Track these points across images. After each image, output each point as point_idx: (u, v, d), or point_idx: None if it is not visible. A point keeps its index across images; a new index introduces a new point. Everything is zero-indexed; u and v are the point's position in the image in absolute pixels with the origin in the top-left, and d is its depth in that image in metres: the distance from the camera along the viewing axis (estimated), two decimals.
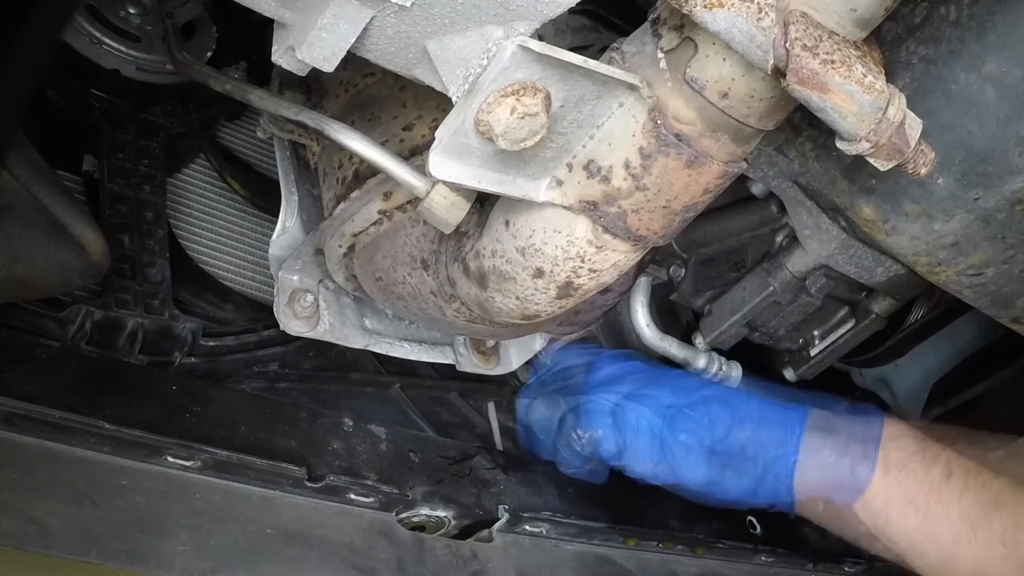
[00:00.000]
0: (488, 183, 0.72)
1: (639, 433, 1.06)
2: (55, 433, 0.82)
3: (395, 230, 0.93)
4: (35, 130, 0.94)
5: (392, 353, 1.14)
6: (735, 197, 1.11)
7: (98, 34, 1.14)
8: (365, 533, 0.95)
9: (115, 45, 1.14)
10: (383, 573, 0.92)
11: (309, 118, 0.85)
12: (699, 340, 1.19)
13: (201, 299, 1.13)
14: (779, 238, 1.10)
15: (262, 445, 0.92)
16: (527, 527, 1.06)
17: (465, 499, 1.04)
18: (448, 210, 0.76)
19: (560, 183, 0.75)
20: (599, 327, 1.27)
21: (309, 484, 0.93)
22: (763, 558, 1.21)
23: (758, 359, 1.30)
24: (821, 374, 1.25)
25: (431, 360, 1.17)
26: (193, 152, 1.25)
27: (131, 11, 1.16)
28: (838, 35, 0.65)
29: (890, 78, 0.68)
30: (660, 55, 0.70)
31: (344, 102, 1.01)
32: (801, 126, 0.93)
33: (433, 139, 0.68)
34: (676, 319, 1.34)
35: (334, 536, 0.92)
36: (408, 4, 0.65)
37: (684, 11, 0.63)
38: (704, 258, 1.18)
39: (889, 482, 1.02)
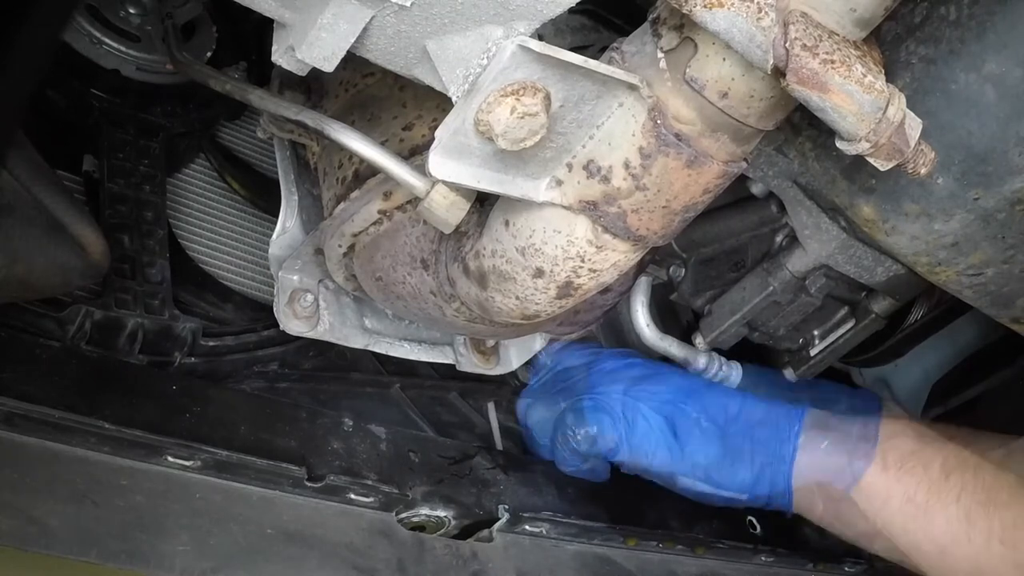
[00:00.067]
0: (488, 183, 0.72)
1: (636, 428, 1.06)
2: (55, 433, 0.82)
3: (395, 230, 0.93)
4: (35, 130, 0.94)
5: (392, 353, 1.14)
6: (735, 197, 1.11)
7: (98, 34, 1.14)
8: (365, 533, 0.95)
9: (115, 45, 1.14)
10: (383, 573, 0.92)
11: (309, 118, 0.85)
12: (699, 340, 1.19)
13: (201, 299, 1.13)
14: (779, 238, 1.10)
15: (262, 445, 0.92)
16: (527, 527, 1.06)
17: (465, 499, 1.04)
18: (448, 210, 0.76)
19: (560, 183, 0.75)
20: (599, 327, 1.27)
21: (309, 484, 0.93)
22: (763, 558, 1.20)
23: (758, 359, 1.30)
24: (821, 374, 1.25)
25: (431, 360, 1.17)
26: (193, 152, 1.25)
27: (131, 11, 1.16)
28: (838, 35, 0.65)
29: (890, 78, 0.68)
30: (660, 55, 0.70)
31: (344, 102, 1.01)
32: (801, 126, 0.93)
33: (433, 139, 0.68)
34: (676, 319, 1.34)
35: (334, 536, 0.92)
36: (408, 4, 0.65)
37: (684, 11, 0.63)
38: (704, 258, 1.18)
39: (888, 480, 1.02)
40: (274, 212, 1.11)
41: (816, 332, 1.19)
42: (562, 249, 0.78)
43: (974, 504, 0.98)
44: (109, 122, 1.14)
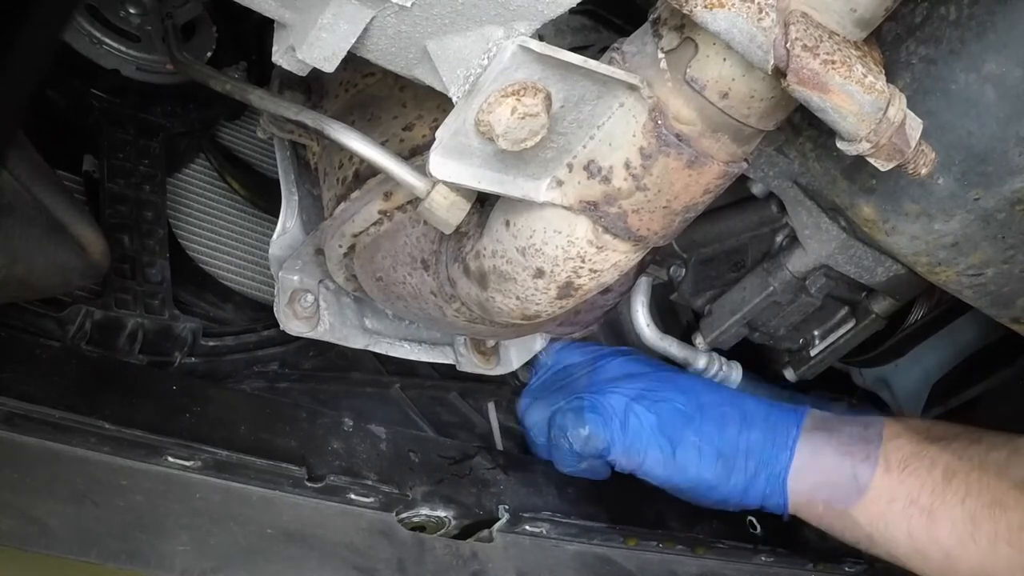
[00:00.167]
0: (488, 183, 0.72)
1: (628, 428, 1.06)
2: (55, 433, 0.82)
3: (395, 230, 0.93)
4: (35, 130, 0.94)
5: (392, 353, 1.14)
6: (735, 197, 1.11)
7: (98, 34, 1.13)
8: (365, 533, 0.95)
9: (115, 45, 1.14)
10: (383, 573, 0.92)
11: (309, 118, 0.85)
12: (699, 340, 1.19)
13: (201, 299, 1.13)
14: (779, 238, 1.10)
15: (262, 445, 0.92)
16: (527, 527, 1.06)
17: (465, 499, 1.04)
18: (448, 210, 0.76)
19: (560, 183, 0.75)
20: (599, 327, 1.27)
21: (309, 484, 0.93)
22: (763, 558, 1.20)
23: (758, 359, 1.30)
24: (821, 374, 1.25)
25: (431, 360, 1.17)
26: (193, 152, 1.25)
27: (131, 11, 1.16)
28: (838, 35, 0.65)
29: (890, 78, 0.68)
30: (660, 55, 0.70)
31: (344, 102, 1.01)
32: (801, 126, 0.93)
33: (433, 139, 0.68)
34: (676, 319, 1.34)
35: (334, 536, 0.92)
36: (408, 4, 0.65)
37: (684, 11, 0.63)
38: (704, 258, 1.18)
39: (891, 482, 1.01)
40: (274, 212, 1.11)
41: (816, 332, 1.19)
42: (563, 249, 0.78)
43: (979, 506, 0.97)
44: (109, 122, 1.14)
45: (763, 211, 1.10)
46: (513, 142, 0.67)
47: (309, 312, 1.06)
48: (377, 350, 1.12)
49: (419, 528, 1.01)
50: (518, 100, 0.66)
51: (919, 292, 1.13)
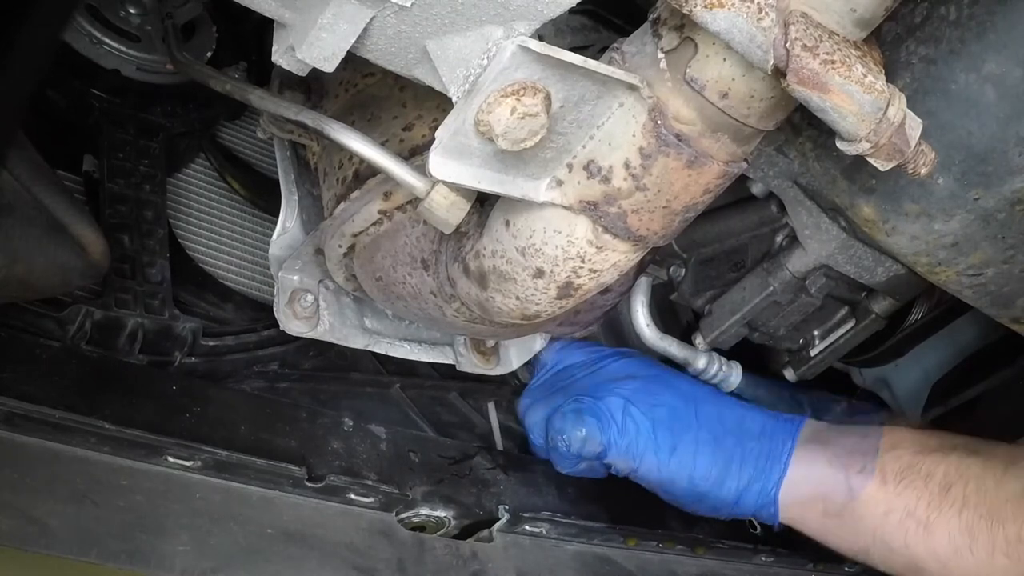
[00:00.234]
0: (488, 183, 0.72)
1: (625, 432, 1.06)
2: (55, 433, 0.82)
3: (395, 230, 0.93)
4: (35, 130, 0.94)
5: (392, 353, 1.14)
6: (735, 197, 1.11)
7: (98, 34, 1.14)
8: (365, 533, 0.95)
9: (115, 45, 1.14)
10: (383, 573, 0.92)
11: (309, 118, 0.85)
12: (699, 340, 1.19)
13: (201, 299, 1.13)
14: (779, 238, 1.10)
15: (262, 445, 0.92)
16: (527, 527, 1.06)
17: (465, 499, 1.04)
18: (448, 210, 0.76)
19: (560, 183, 0.75)
20: (599, 327, 1.27)
21: (309, 484, 0.93)
22: (763, 558, 1.20)
23: (758, 359, 1.30)
24: (821, 374, 1.25)
25: (431, 360, 1.17)
26: (193, 152, 1.25)
27: (131, 11, 1.16)
28: (838, 35, 0.65)
29: (890, 78, 0.68)
30: (660, 55, 0.70)
31: (344, 102, 1.01)
32: (801, 126, 0.93)
33: (433, 139, 0.68)
34: (676, 319, 1.34)
35: (334, 536, 0.92)
36: (408, 4, 0.65)
37: (684, 11, 0.63)
38: (704, 258, 1.18)
39: (887, 494, 1.01)
40: (274, 212, 1.11)
41: (816, 332, 1.19)
42: (562, 249, 0.78)
43: (976, 518, 0.96)
44: (109, 122, 1.14)
45: (763, 211, 1.10)
46: (513, 142, 0.67)
47: (309, 312, 1.06)
48: (377, 350, 1.12)
49: (419, 528, 1.01)
50: (518, 100, 0.66)
51: (919, 292, 1.13)
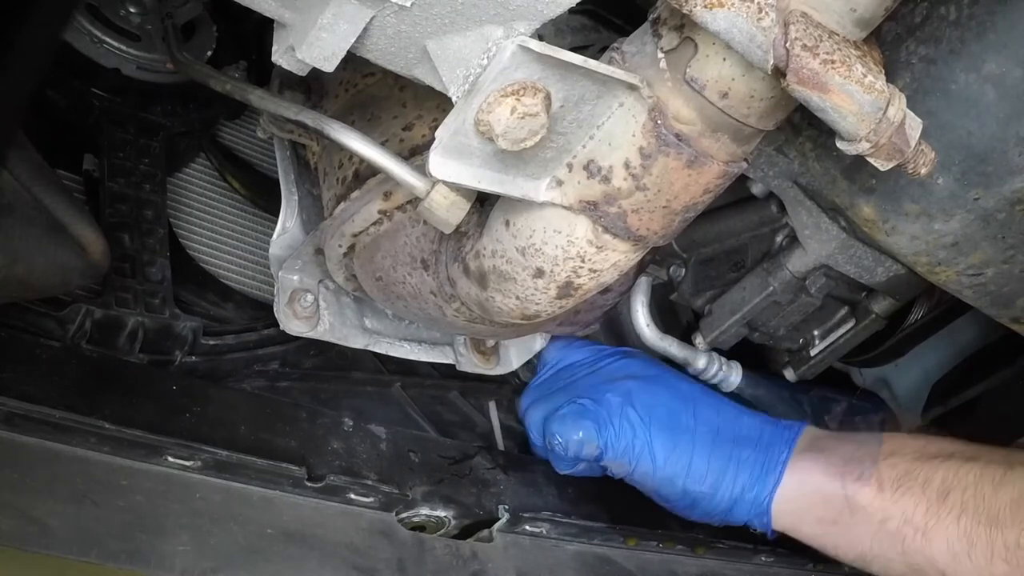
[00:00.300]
0: (488, 183, 0.72)
1: (622, 435, 1.06)
2: (55, 433, 0.82)
3: (395, 230, 0.93)
4: (35, 130, 0.94)
5: (392, 353, 1.14)
6: (735, 197, 1.11)
7: (98, 33, 1.13)
8: (365, 533, 0.95)
9: (115, 44, 1.14)
10: (383, 573, 0.92)
11: (309, 118, 0.85)
12: (699, 340, 1.19)
13: (201, 298, 1.13)
14: (779, 238, 1.10)
15: (262, 445, 0.92)
16: (527, 527, 1.06)
17: (465, 499, 1.04)
18: (448, 210, 0.76)
19: (560, 183, 0.75)
20: (599, 327, 1.27)
21: (309, 484, 0.93)
22: (763, 558, 1.20)
23: (758, 359, 1.30)
24: (821, 374, 1.25)
25: (431, 360, 1.17)
26: (193, 151, 1.25)
27: (131, 10, 1.16)
28: (838, 35, 0.65)
29: (890, 78, 0.68)
30: (660, 55, 0.70)
31: (344, 102, 1.01)
32: (801, 126, 0.93)
33: (433, 139, 0.68)
34: (676, 319, 1.34)
35: (334, 536, 0.92)
36: (408, 4, 0.65)
37: (684, 11, 0.63)
38: (704, 258, 1.18)
39: (885, 501, 1.00)
40: (274, 212, 1.11)
41: (816, 332, 1.19)
42: (562, 249, 0.78)
43: (975, 524, 0.96)
44: (109, 121, 1.14)
45: (763, 211, 1.10)
46: (513, 142, 0.67)
47: (309, 312, 1.06)
48: (377, 350, 1.12)
49: (419, 528, 1.01)
50: (518, 100, 0.66)
51: (919, 292, 1.13)
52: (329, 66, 0.68)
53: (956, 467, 0.99)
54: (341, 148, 0.85)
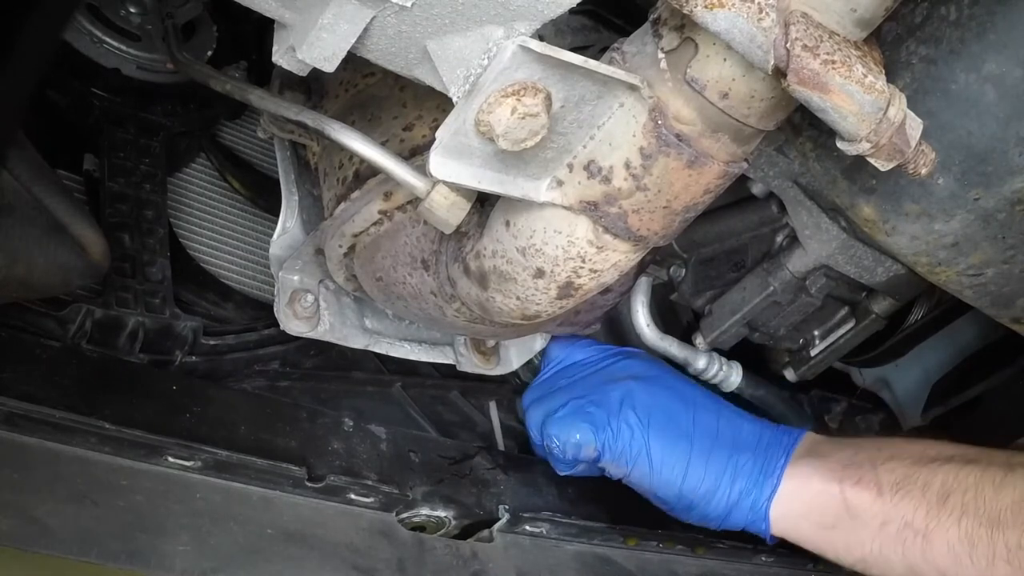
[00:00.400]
0: (488, 183, 0.72)
1: (619, 437, 1.05)
2: (55, 433, 0.82)
3: (395, 230, 0.93)
4: (35, 130, 0.94)
5: (392, 353, 1.14)
6: (735, 197, 1.11)
7: (99, 33, 1.14)
8: (365, 533, 0.95)
9: (116, 44, 1.14)
10: (383, 573, 0.92)
11: (309, 118, 0.85)
12: (699, 340, 1.19)
13: (202, 298, 1.13)
14: (779, 238, 1.10)
15: (262, 445, 0.92)
16: (527, 527, 1.06)
17: (465, 499, 1.04)
18: (448, 210, 0.76)
19: (561, 183, 0.75)
20: (600, 327, 1.27)
21: (309, 484, 0.93)
22: (763, 558, 1.20)
23: (758, 359, 1.30)
24: (821, 374, 1.25)
25: (431, 360, 1.17)
26: (194, 151, 1.25)
27: (131, 10, 1.16)
28: (838, 35, 0.65)
29: (890, 78, 0.68)
30: (661, 55, 0.70)
31: (344, 102, 1.01)
32: (801, 126, 0.93)
33: (433, 139, 0.68)
34: (676, 319, 1.34)
35: (334, 536, 0.92)
36: (408, 4, 0.65)
37: (685, 11, 0.63)
38: (704, 258, 1.18)
39: (884, 505, 1.00)
40: (274, 212, 1.11)
41: (816, 332, 1.19)
42: (563, 249, 0.78)
43: (976, 526, 0.95)
44: (110, 121, 1.14)
45: (763, 211, 1.10)
46: (513, 142, 0.67)
47: (309, 312, 1.06)
48: (377, 350, 1.12)
49: (419, 528, 1.01)
50: (518, 100, 0.66)
51: (919, 292, 1.13)
52: (329, 66, 0.68)
53: (956, 470, 0.99)
54: (341, 148, 0.85)
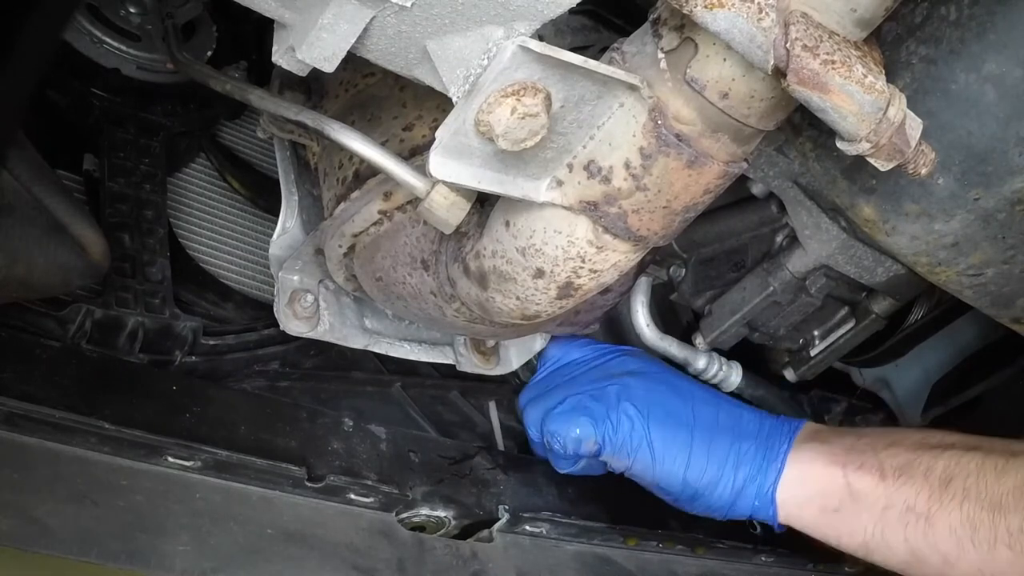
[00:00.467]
0: (488, 183, 0.72)
1: (619, 430, 1.06)
2: (55, 433, 0.82)
3: (395, 230, 0.93)
4: (35, 130, 0.94)
5: (392, 353, 1.14)
6: (735, 197, 1.11)
7: (99, 33, 1.14)
8: (365, 533, 0.95)
9: (116, 44, 1.14)
10: (383, 573, 0.92)
11: (309, 118, 0.85)
12: (699, 340, 1.19)
13: (201, 298, 1.13)
14: (779, 238, 1.10)
15: (262, 445, 0.92)
16: (527, 527, 1.06)
17: (465, 499, 1.04)
18: (448, 210, 0.76)
19: (560, 183, 0.75)
20: (600, 327, 1.27)
21: (309, 484, 0.93)
22: (763, 558, 1.20)
23: (758, 359, 1.30)
24: (821, 374, 1.25)
25: (431, 360, 1.17)
26: (193, 151, 1.25)
27: (131, 10, 1.16)
28: (838, 35, 0.65)
29: (890, 78, 0.68)
30: (660, 55, 0.70)
31: (344, 102, 1.01)
32: (801, 126, 0.93)
33: (433, 139, 0.68)
34: (676, 319, 1.34)
35: (334, 536, 0.92)
36: (408, 4, 0.65)
37: (684, 11, 0.63)
38: (704, 258, 1.18)
39: (887, 490, 1.00)
40: (274, 212, 1.11)
41: (816, 332, 1.19)
42: (562, 249, 0.78)
43: (978, 510, 0.96)
44: (109, 121, 1.14)
45: (763, 211, 1.10)
46: (513, 142, 0.67)
47: (309, 312, 1.06)
48: (377, 350, 1.12)
49: (419, 528, 1.01)
50: (518, 100, 0.66)
51: (919, 292, 1.13)
52: (329, 66, 0.68)
53: (958, 456, 1.00)
54: (341, 148, 0.85)
